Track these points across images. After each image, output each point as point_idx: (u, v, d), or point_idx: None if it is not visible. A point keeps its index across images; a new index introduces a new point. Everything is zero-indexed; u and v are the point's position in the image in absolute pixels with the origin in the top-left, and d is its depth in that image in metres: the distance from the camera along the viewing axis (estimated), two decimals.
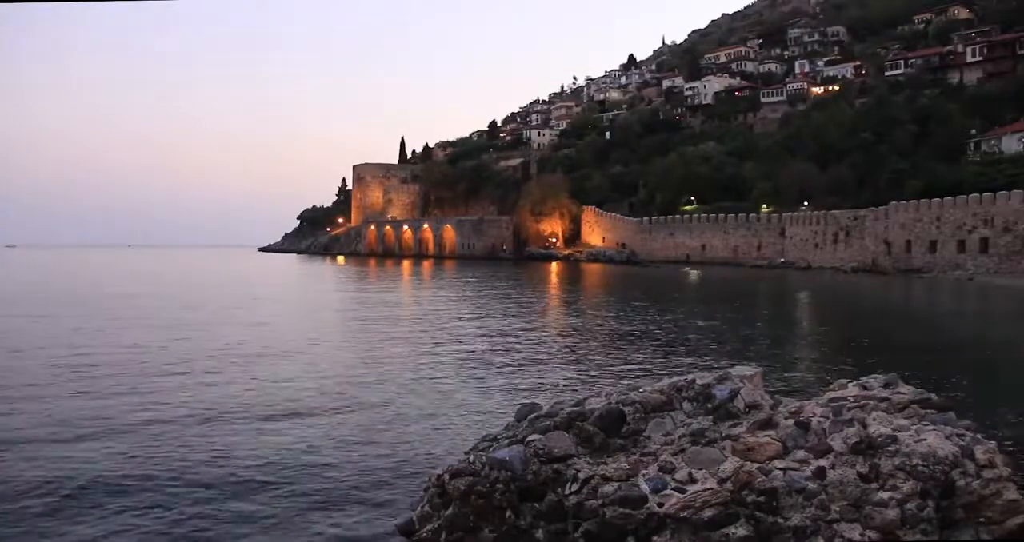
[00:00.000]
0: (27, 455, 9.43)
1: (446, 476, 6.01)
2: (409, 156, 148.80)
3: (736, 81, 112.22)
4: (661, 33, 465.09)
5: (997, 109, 70.53)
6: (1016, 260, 51.11)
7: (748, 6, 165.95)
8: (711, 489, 5.27)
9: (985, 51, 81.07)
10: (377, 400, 12.93)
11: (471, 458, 6.07)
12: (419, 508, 6.32)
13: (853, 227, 65.34)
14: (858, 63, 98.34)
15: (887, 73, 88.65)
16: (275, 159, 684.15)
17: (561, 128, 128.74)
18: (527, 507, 5.66)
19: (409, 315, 29.77)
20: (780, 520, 5.10)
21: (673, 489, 5.34)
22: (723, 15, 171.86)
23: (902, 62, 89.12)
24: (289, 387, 14.04)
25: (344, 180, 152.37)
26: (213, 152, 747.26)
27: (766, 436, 5.59)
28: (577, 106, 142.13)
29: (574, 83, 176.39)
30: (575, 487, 5.58)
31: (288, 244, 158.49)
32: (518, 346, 19.76)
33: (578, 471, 5.65)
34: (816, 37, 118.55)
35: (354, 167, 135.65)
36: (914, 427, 5.51)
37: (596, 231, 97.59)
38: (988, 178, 58.70)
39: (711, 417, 5.95)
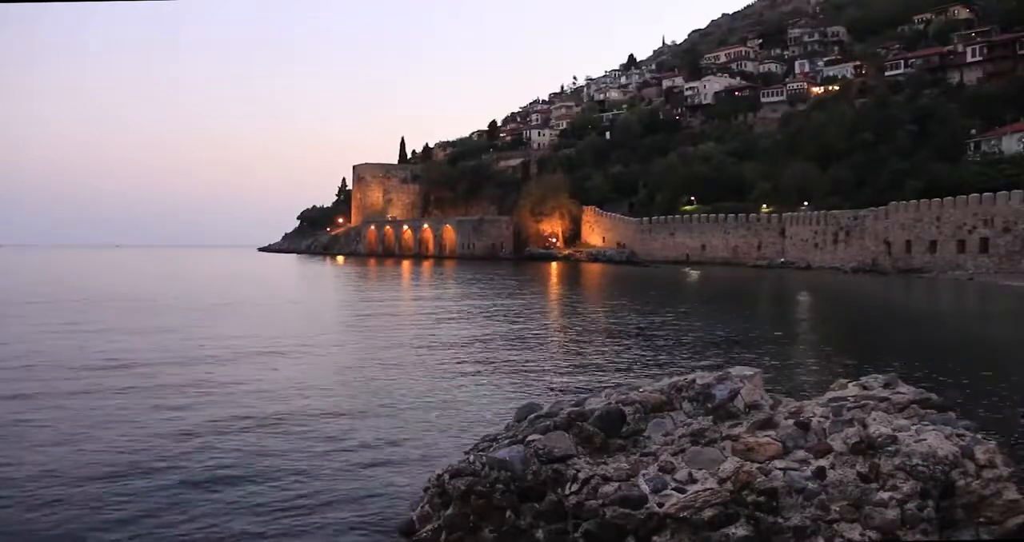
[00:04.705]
0: (31, 454, 9.43)
1: (446, 476, 6.00)
2: (409, 156, 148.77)
3: (736, 81, 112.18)
4: (661, 33, 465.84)
5: (997, 109, 70.52)
6: (1016, 260, 51.10)
7: (748, 6, 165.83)
8: (711, 489, 5.27)
9: (985, 51, 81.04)
10: (377, 401, 12.93)
11: (471, 458, 6.07)
12: (419, 508, 6.31)
13: (853, 227, 65.33)
14: (858, 63, 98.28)
15: (887, 73, 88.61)
16: (275, 159, 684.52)
17: (561, 128, 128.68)
18: (527, 507, 5.66)
19: (408, 316, 29.78)
20: (780, 520, 5.10)
21: (673, 489, 5.34)
22: (723, 15, 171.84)
23: (902, 62, 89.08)
24: (288, 388, 14.04)
25: (344, 180, 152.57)
26: (213, 152, 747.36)
27: (766, 436, 5.59)
28: (577, 106, 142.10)
29: (574, 83, 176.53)
30: (575, 487, 5.57)
31: (288, 244, 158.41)
32: (518, 346, 19.76)
33: (578, 471, 5.65)
34: (816, 37, 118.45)
35: (354, 167, 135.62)
36: (914, 427, 5.51)
37: (596, 231, 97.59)
38: (988, 178, 58.72)
39: (711, 417, 5.95)
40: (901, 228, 60.35)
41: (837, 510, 5.09)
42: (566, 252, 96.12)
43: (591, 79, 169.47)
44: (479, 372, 15.78)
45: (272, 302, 35.55)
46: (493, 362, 17.07)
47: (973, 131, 69.46)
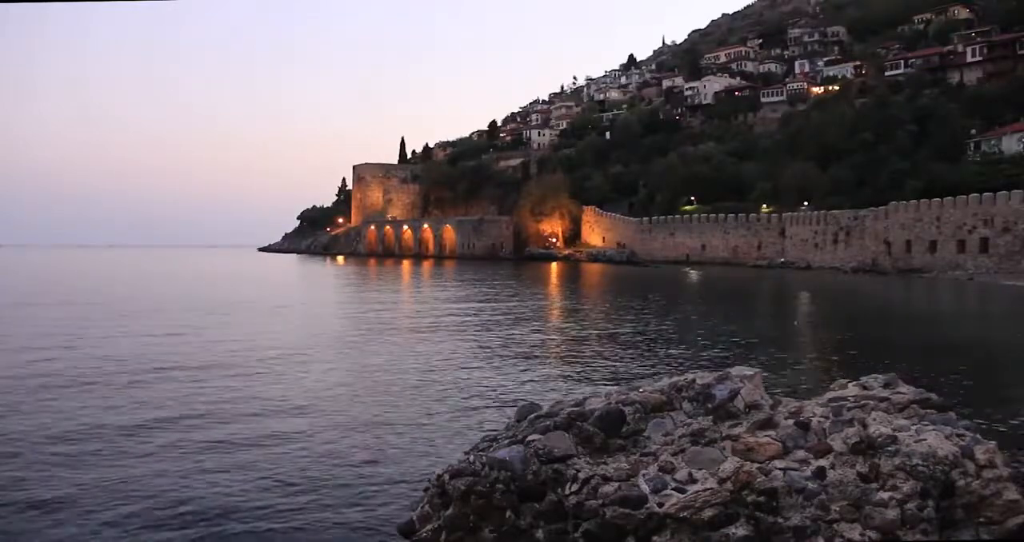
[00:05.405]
0: (27, 452, 9.44)
1: (446, 476, 6.00)
2: (409, 156, 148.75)
3: (736, 81, 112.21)
4: (661, 33, 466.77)
5: (997, 109, 70.53)
6: (1016, 260, 51.10)
7: (748, 6, 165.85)
8: (711, 489, 5.26)
9: (985, 51, 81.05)
10: (377, 401, 12.93)
11: (471, 458, 6.06)
12: (419, 508, 6.30)
13: (853, 227, 65.33)
14: (858, 63, 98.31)
15: (887, 73, 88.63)
16: (275, 159, 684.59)
17: (561, 128, 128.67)
18: (527, 507, 5.65)
19: (409, 316, 29.78)
20: (780, 520, 5.10)
21: (673, 489, 5.34)
22: (723, 15, 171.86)
23: (902, 62, 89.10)
24: (288, 389, 14.04)
25: (344, 180, 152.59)
26: (213, 152, 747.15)
27: (766, 436, 5.59)
28: (577, 106, 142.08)
29: (574, 83, 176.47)
30: (575, 487, 5.57)
31: (288, 244, 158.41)
32: (518, 346, 19.76)
33: (578, 471, 5.65)
34: (816, 37, 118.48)
35: (354, 167, 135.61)
36: (914, 427, 5.51)
37: (596, 231, 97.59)
38: (988, 178, 58.72)
39: (711, 417, 5.94)
40: (901, 228, 60.36)
41: (837, 510, 5.09)
42: (566, 252, 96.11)
43: (591, 79, 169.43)
44: (479, 372, 15.78)
45: (272, 304, 35.56)
46: (493, 362, 17.07)
47: (973, 131, 69.45)
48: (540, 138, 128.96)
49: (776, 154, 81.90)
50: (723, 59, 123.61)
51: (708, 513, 5.17)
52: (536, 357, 17.92)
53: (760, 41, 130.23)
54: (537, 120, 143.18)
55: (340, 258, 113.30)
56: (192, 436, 10.34)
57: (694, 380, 6.27)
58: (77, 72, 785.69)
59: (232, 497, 7.89)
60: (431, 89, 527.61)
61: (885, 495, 5.09)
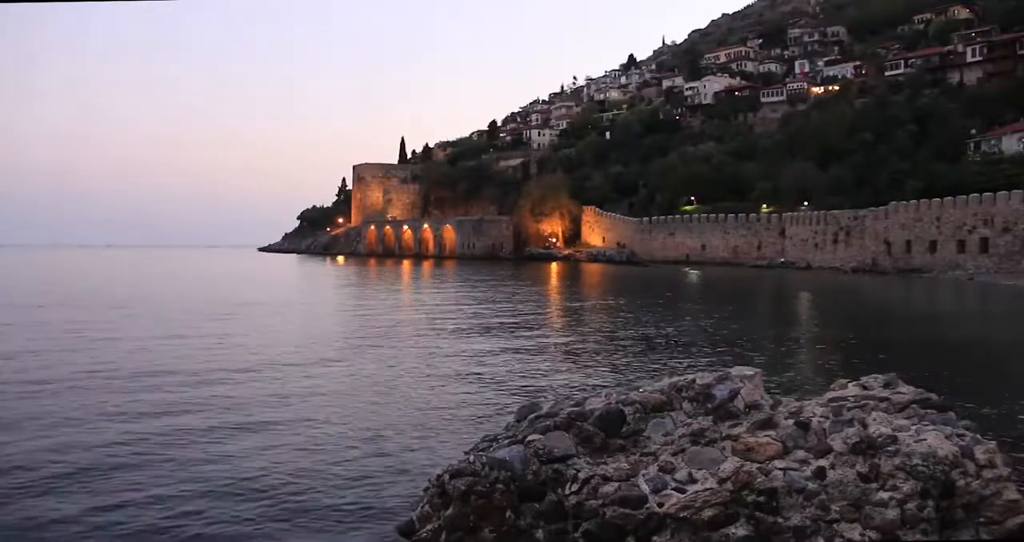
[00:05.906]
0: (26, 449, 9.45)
1: (446, 476, 6.00)
2: (409, 156, 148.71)
3: (736, 81, 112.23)
4: (661, 33, 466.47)
5: (997, 109, 70.53)
6: (1016, 260, 51.11)
7: (748, 6, 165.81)
8: (711, 489, 5.26)
9: (985, 51, 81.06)
10: (377, 400, 12.93)
11: (471, 458, 6.06)
12: (419, 508, 6.31)
13: (853, 227, 65.34)
14: (858, 63, 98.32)
15: (887, 73, 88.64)
16: (275, 159, 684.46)
17: (561, 128, 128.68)
18: (527, 507, 5.65)
19: (408, 316, 29.78)
20: (780, 520, 5.10)
21: (673, 489, 5.34)
22: (723, 15, 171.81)
23: (902, 62, 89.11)
24: (288, 389, 14.04)
25: (344, 180, 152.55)
26: (213, 152, 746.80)
27: (766, 436, 5.59)
28: (577, 106, 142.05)
29: (574, 83, 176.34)
30: (575, 487, 5.57)
31: (288, 244, 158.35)
32: (518, 346, 19.76)
33: (578, 471, 5.65)
34: (816, 37, 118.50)
35: (354, 167, 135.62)
36: (914, 427, 5.51)
37: (596, 231, 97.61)
38: (988, 178, 58.73)
39: (711, 417, 5.94)
40: (901, 228, 60.36)
41: (837, 510, 5.09)
42: (566, 252, 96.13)
43: (591, 79, 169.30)
44: (479, 372, 15.78)
45: (272, 304, 35.56)
46: (493, 362, 17.07)
47: (973, 131, 69.45)
48: (540, 138, 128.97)
49: (776, 154, 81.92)
50: (723, 59, 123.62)
51: (708, 513, 5.17)
52: (536, 357, 17.91)
53: (760, 41, 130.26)
54: (537, 120, 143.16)
55: (340, 258, 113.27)
56: (191, 436, 10.34)
57: (694, 380, 6.27)
58: (77, 72, 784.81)
59: (231, 496, 7.89)
60: (431, 89, 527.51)
61: (885, 495, 5.09)
